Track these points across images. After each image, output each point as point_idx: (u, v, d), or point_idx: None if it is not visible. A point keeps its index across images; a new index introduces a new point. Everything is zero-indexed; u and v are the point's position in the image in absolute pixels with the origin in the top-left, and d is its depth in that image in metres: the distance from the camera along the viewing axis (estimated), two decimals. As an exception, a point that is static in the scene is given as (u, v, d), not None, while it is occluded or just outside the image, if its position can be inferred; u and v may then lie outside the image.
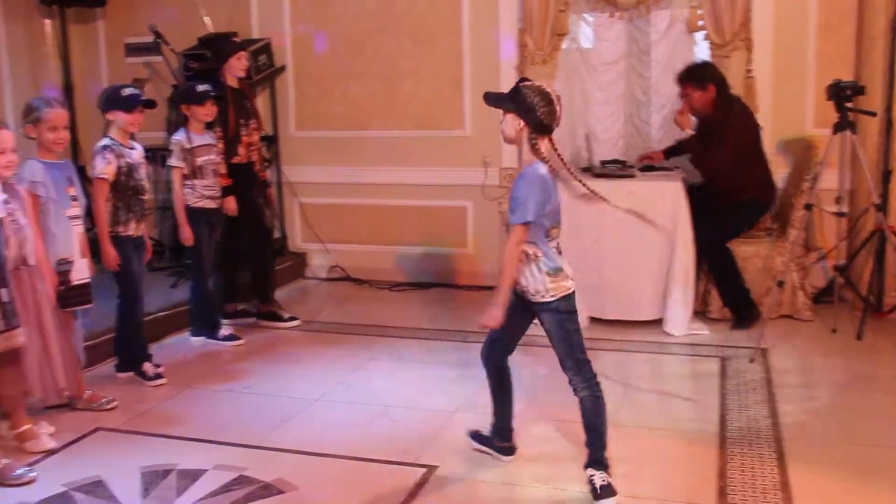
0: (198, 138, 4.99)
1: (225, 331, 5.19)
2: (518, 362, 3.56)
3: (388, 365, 4.78)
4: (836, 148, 5.04)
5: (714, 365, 4.59)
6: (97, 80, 7.00)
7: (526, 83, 3.19)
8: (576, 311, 3.23)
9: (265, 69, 6.49)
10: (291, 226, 6.87)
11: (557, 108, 3.12)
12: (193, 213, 4.98)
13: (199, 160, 4.97)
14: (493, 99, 3.25)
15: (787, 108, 5.65)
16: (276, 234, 6.52)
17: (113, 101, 4.40)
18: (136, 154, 4.46)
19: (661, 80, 5.97)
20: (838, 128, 4.78)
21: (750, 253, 5.25)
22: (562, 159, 3.25)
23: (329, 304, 6.19)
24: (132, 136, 4.49)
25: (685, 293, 5.06)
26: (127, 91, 4.44)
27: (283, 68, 6.69)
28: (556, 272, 3.17)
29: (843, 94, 4.77)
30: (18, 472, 3.42)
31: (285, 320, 5.53)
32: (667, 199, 5.11)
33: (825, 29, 5.59)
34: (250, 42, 6.26)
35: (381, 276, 6.58)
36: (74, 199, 4.03)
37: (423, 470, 3.44)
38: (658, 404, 4.16)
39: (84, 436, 3.87)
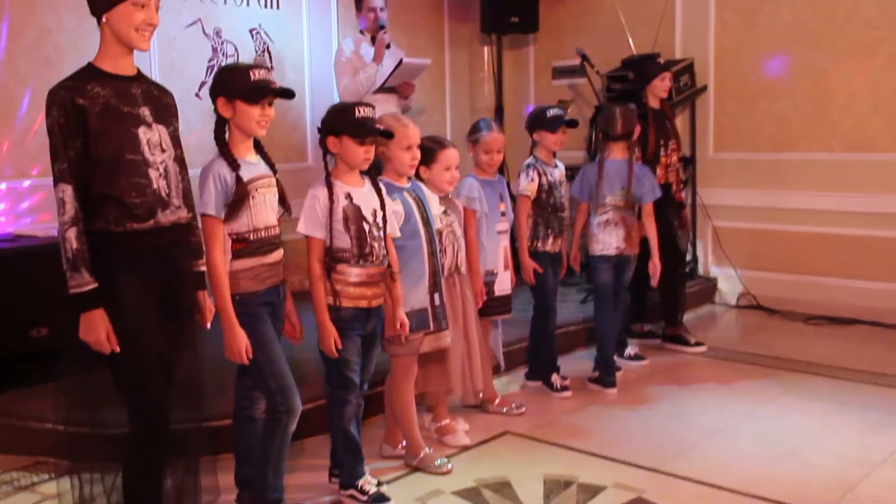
0: (617, 158, 5.08)
1: (631, 350, 5.23)
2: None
3: (799, 402, 4.49)
4: None
5: None
6: (525, 102, 7.43)
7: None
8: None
9: (686, 89, 6.43)
10: (703, 249, 6.74)
11: (620, 120, 4.63)
12: (607, 232, 5.09)
13: (618, 180, 5.06)
14: None
15: None
16: (688, 257, 6.44)
17: (539, 121, 4.62)
18: (558, 172, 4.66)
19: None
20: None
21: None
22: (632, 161, 4.71)
23: (737, 332, 5.98)
24: (555, 155, 4.71)
25: None
26: (552, 112, 4.64)
27: (704, 88, 6.59)
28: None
29: None
30: (438, 462, 3.70)
31: (691, 345, 5.43)
32: None
33: None
34: (673, 62, 6.25)
35: (796, 307, 6.20)
36: (503, 214, 4.31)
37: (837, 522, 3.20)
38: None
39: (494, 437, 4.10)
